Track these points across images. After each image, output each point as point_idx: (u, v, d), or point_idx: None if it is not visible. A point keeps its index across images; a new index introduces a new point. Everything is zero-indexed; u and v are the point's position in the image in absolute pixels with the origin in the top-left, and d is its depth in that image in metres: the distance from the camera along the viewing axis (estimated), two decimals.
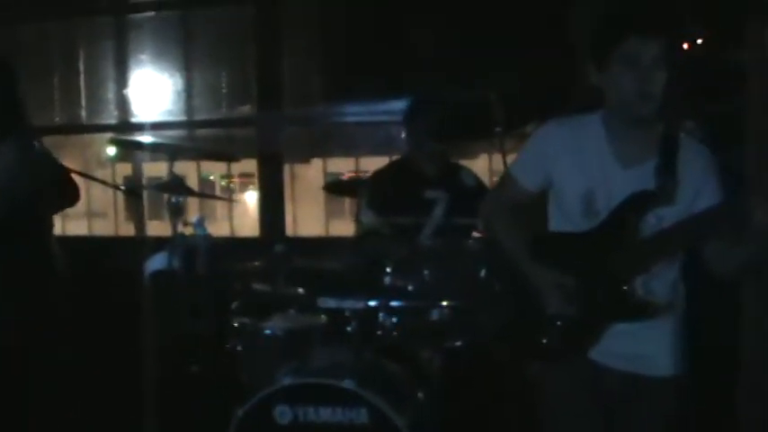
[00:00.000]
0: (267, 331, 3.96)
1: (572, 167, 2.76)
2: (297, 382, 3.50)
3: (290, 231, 5.77)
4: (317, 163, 6.25)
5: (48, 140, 5.84)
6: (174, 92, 5.93)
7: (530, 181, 2.88)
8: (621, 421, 2.83)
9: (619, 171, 2.69)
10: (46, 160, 3.68)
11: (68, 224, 6.12)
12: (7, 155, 3.40)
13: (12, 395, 3.48)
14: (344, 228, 5.59)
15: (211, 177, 6.69)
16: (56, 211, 3.74)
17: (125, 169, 6.39)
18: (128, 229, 6.35)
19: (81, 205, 6.14)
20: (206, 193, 5.64)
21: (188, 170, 6.34)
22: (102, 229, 6.51)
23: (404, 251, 3.86)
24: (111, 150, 6.29)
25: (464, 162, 4.86)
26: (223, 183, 6.62)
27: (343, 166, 6.15)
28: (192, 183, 6.42)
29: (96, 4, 6.08)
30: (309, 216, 6.06)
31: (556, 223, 2.87)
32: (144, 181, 6.15)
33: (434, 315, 3.77)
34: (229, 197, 6.12)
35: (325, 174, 6.11)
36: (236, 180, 6.53)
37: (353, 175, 5.74)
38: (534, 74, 4.74)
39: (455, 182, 4.41)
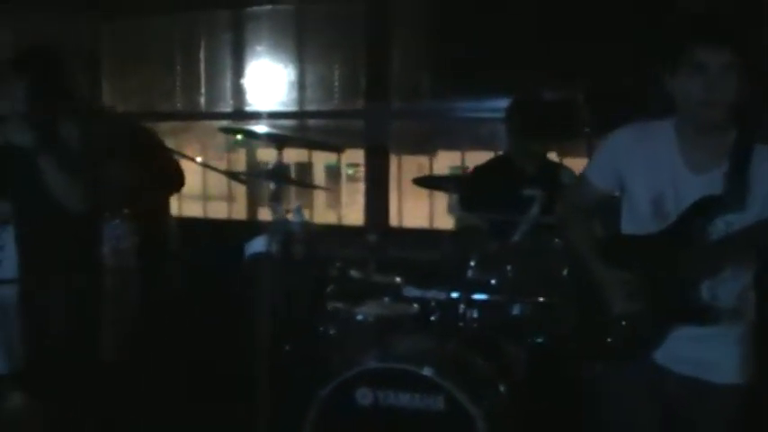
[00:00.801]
0: (359, 317, 4.10)
1: (643, 171, 2.80)
2: (379, 366, 3.63)
3: (395, 222, 5.88)
4: (443, 155, 6.31)
5: (168, 126, 6.23)
6: (287, 83, 6.12)
7: (602, 182, 2.93)
8: (681, 426, 2.85)
9: (689, 176, 2.72)
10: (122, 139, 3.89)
11: (187, 205, 6.43)
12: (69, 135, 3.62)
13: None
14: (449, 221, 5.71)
15: (338, 166, 6.83)
16: (161, 195, 3.98)
17: (244, 154, 6.63)
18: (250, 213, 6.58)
19: (197, 188, 6.51)
20: (304, 181, 5.79)
21: (315, 158, 6.55)
22: (222, 211, 6.75)
23: (491, 246, 3.94)
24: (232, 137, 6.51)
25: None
26: (350, 172, 6.76)
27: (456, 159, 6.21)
28: (319, 171, 6.63)
29: None
30: (418, 207, 6.14)
31: (626, 225, 2.91)
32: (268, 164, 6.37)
33: (515, 310, 3.84)
34: (328, 186, 6.22)
35: (428, 167, 6.16)
36: (361, 169, 6.66)
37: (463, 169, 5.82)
38: (625, 75, 4.73)
39: (553, 180, 4.44)
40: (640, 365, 2.83)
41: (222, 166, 6.51)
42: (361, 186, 6.63)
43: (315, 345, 4.24)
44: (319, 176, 6.78)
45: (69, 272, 3.79)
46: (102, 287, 3.95)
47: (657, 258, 2.75)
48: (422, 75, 5.83)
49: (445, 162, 6.27)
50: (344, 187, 6.82)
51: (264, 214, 6.30)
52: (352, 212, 6.29)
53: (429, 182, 4.83)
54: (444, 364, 3.60)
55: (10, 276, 5.17)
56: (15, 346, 5.17)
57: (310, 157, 6.78)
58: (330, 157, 6.92)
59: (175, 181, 4.84)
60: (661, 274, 2.75)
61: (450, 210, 4.29)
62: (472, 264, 3.87)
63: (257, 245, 4.45)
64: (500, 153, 4.91)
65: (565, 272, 3.61)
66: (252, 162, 6.44)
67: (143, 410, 4.18)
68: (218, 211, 6.69)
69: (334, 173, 6.95)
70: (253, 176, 6.12)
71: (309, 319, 4.30)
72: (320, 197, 6.79)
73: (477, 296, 3.86)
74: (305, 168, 6.84)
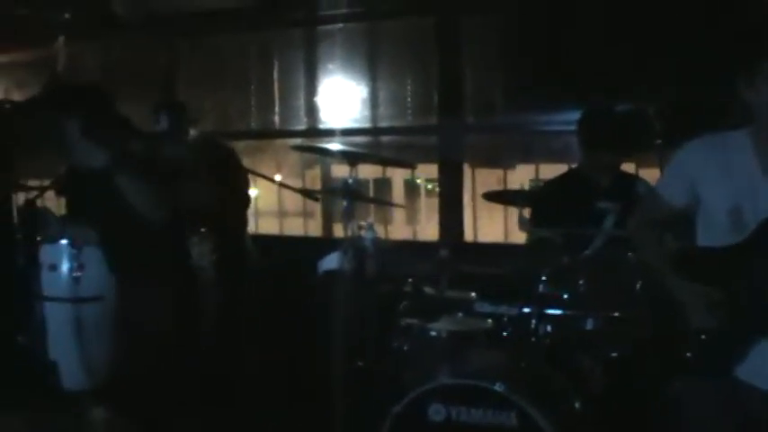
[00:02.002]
0: (432, 333, 4.07)
1: (718, 183, 2.76)
2: (452, 382, 3.62)
3: (470, 236, 5.86)
4: (522, 169, 6.28)
5: (243, 144, 6.32)
6: (360, 100, 6.15)
7: (675, 197, 2.89)
8: None
9: (767, 186, 2.68)
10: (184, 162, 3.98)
11: (264, 222, 6.50)
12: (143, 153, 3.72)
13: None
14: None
15: (417, 182, 6.84)
16: (239, 213, 4.06)
17: (318, 171, 6.69)
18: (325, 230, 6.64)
19: (274, 205, 6.59)
20: (378, 199, 5.81)
21: (394, 174, 6.56)
22: (298, 227, 6.80)
23: (563, 261, 3.90)
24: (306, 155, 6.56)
25: None
26: (428, 187, 6.76)
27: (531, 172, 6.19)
28: (398, 186, 6.65)
29: (289, 17, 6.37)
30: (492, 221, 6.11)
31: (703, 237, 2.87)
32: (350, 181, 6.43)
33: (588, 325, 3.79)
34: (401, 204, 6.22)
35: (505, 181, 6.14)
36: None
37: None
38: (699, 87, 4.66)
39: (628, 193, 4.37)
40: (721, 381, 2.77)
41: (298, 182, 6.57)
42: (435, 200, 6.64)
43: (388, 361, 4.24)
44: (398, 192, 6.78)
45: (162, 286, 3.85)
46: (196, 300, 4.01)
47: (737, 270, 2.70)
48: (494, 89, 5.80)
49: (523, 175, 6.23)
50: (423, 202, 6.82)
51: (339, 231, 6.36)
52: (431, 228, 6.28)
53: (500, 197, 4.81)
54: (517, 380, 3.57)
55: (90, 295, 5.32)
56: (97, 362, 5.31)
57: (389, 172, 6.80)
58: (409, 173, 6.93)
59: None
60: (741, 286, 2.69)
61: (521, 224, 4.25)
62: (544, 278, 3.83)
63: (330, 261, 4.50)
64: (573, 166, 4.86)
65: (640, 285, 3.57)
66: (327, 179, 6.49)
67: (218, 424, 4.23)
68: (295, 226, 6.75)
69: (412, 188, 6.96)
70: (326, 194, 6.15)
71: (383, 335, 4.31)
72: (398, 213, 6.79)
73: (549, 311, 3.82)
74: (383, 184, 6.86)
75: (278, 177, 6.40)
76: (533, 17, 5.54)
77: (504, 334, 3.92)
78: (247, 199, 5.22)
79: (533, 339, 3.81)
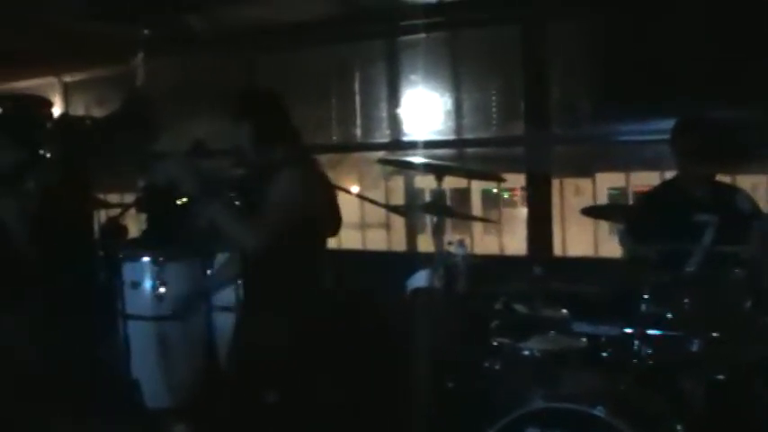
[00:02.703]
0: (525, 352, 3.94)
1: None
2: (548, 405, 3.47)
3: (560, 251, 5.70)
4: (602, 177, 6.08)
5: (325, 158, 6.25)
6: (443, 111, 6.04)
7: None
8: None
9: None
10: (321, 185, 3.91)
11: (345, 234, 6.39)
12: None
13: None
14: (615, 248, 5.49)
15: (494, 190, 6.71)
16: (325, 236, 3.97)
17: (401, 182, 6.57)
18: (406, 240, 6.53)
19: (357, 217, 6.51)
20: (468, 214, 5.67)
21: (472, 183, 6.43)
22: (380, 239, 6.70)
23: (665, 278, 3.72)
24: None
25: None
26: (506, 195, 6.62)
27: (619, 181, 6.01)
28: (476, 196, 6.52)
29: (370, 28, 6.28)
30: (582, 234, 5.94)
31: None
32: (425, 193, 6.35)
33: (693, 346, 3.60)
34: (496, 218, 6.07)
35: (599, 190, 5.98)
36: (517, 193, 6.51)
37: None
38: None
39: (728, 206, 4.18)
40: None
41: (379, 193, 6.47)
42: (519, 211, 6.49)
43: (479, 381, 4.11)
44: (476, 202, 6.65)
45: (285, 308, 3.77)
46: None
47: None
48: (582, 98, 5.63)
49: (604, 184, 6.04)
50: (501, 212, 6.67)
51: (424, 245, 6.25)
52: (511, 238, 6.13)
53: (597, 212, 4.63)
54: (617, 404, 3.40)
55: (171, 313, 5.29)
56: (179, 381, 5.29)
57: (467, 182, 6.67)
58: (486, 182, 6.79)
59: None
60: None
61: (621, 240, 4.08)
62: (646, 296, 3.65)
63: (419, 279, 4.39)
64: (667, 177, 4.68)
65: (749, 304, 3.38)
66: (409, 190, 6.38)
67: None
68: (377, 238, 6.64)
69: (490, 198, 6.82)
70: (413, 210, 6.05)
71: (473, 354, 4.18)
72: (477, 223, 6.66)
73: (651, 331, 3.64)
74: (461, 194, 6.73)
75: (354, 190, 6.31)
76: (621, 23, 5.37)
77: (604, 355, 3.73)
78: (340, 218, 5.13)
79: (635, 361, 3.63)
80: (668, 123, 4.40)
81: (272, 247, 3.58)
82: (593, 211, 4.62)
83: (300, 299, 3.74)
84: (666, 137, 4.37)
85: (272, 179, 3.66)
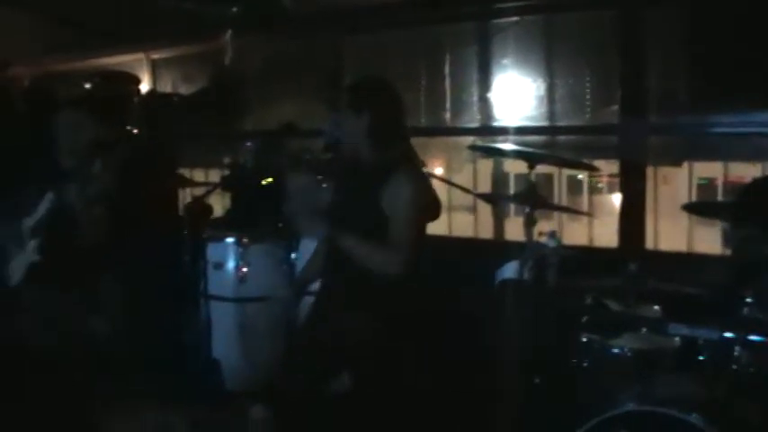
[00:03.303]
0: (615, 350, 3.83)
1: None
2: (640, 408, 3.34)
3: (650, 243, 5.51)
4: (686, 167, 5.90)
5: (413, 141, 6.16)
6: (535, 97, 5.90)
7: None
8: None
9: None
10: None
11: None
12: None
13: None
14: (712, 242, 5.30)
15: (580, 177, 6.55)
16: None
17: (490, 166, 6.45)
18: (491, 226, 6.40)
19: (443, 200, 6.41)
20: (562, 205, 5.52)
21: (555, 169, 6.29)
22: (466, 224, 6.59)
23: None
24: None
25: None
26: (591, 182, 6.46)
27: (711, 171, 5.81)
28: (560, 182, 6.37)
29: (462, 10, 6.15)
30: (673, 226, 5.75)
31: None
32: (511, 177, 6.23)
33: None
34: (585, 211, 5.89)
35: (692, 180, 5.79)
36: (604, 179, 6.35)
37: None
38: None
39: None
40: None
41: (466, 178, 6.36)
42: (605, 198, 6.32)
43: (566, 378, 3.99)
44: (561, 187, 6.50)
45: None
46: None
47: None
48: (680, 86, 5.43)
49: (693, 173, 5.84)
50: (585, 200, 6.52)
51: (511, 233, 6.12)
52: (598, 228, 5.97)
53: (700, 208, 4.43)
54: (714, 412, 3.24)
55: (256, 295, 5.26)
56: (259, 363, 5.26)
57: (551, 168, 6.51)
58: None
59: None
60: None
61: (726, 238, 3.91)
62: (749, 300, 3.47)
63: (509, 270, 4.27)
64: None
65: None
66: (498, 176, 6.26)
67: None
68: (462, 222, 6.53)
69: (575, 184, 6.66)
70: (503, 199, 5.92)
71: (561, 350, 4.06)
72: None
73: (754, 337, 3.46)
74: (545, 180, 6.59)
75: (440, 172, 6.22)
76: (724, 10, 5.15)
77: (700, 359, 3.57)
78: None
79: (734, 368, 3.46)
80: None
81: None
82: (695, 207, 4.44)
83: (390, 288, 3.65)
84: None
85: (389, 179, 3.58)
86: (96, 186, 4.49)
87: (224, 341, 5.14)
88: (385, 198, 3.56)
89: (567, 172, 6.30)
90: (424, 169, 3.95)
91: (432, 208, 3.78)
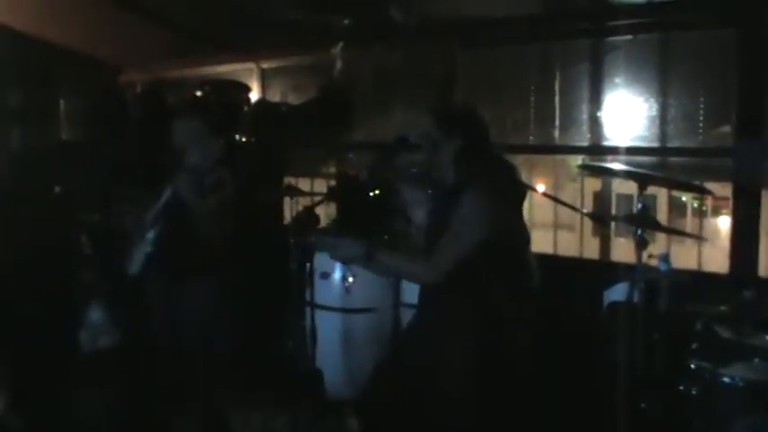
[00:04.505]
0: (726, 379, 3.76)
1: None
2: None
3: (764, 271, 5.37)
4: None
5: (522, 158, 6.14)
6: (647, 117, 5.81)
7: None
8: None
9: None
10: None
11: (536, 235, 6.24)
12: (475, 203, 3.60)
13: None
14: None
15: (684, 199, 6.43)
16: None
17: (595, 185, 6.38)
18: (593, 245, 6.33)
19: (549, 216, 6.36)
20: (674, 228, 5.38)
21: (659, 190, 6.18)
22: (569, 242, 6.53)
23: None
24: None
25: None
26: (695, 204, 6.34)
27: None
28: (663, 203, 6.26)
29: (575, 27, 6.11)
30: None
31: None
32: (613, 197, 6.15)
33: None
34: (698, 235, 5.76)
35: None
36: (708, 202, 6.23)
37: None
38: None
39: None
40: None
41: (571, 193, 6.32)
42: (709, 222, 6.18)
43: (674, 405, 3.93)
44: (662, 209, 6.38)
45: None
46: None
47: None
48: None
49: None
50: (689, 222, 6.38)
51: (616, 253, 6.04)
52: (707, 252, 5.83)
53: None
54: None
55: (361, 306, 5.32)
56: (361, 374, 5.30)
57: (653, 189, 6.38)
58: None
59: None
60: None
61: None
62: None
63: (617, 292, 4.23)
64: None
65: None
66: (603, 194, 6.18)
67: None
68: (565, 240, 6.47)
69: (679, 206, 6.53)
70: (616, 220, 5.84)
71: (669, 376, 4.00)
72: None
73: None
74: (647, 200, 6.47)
75: (541, 188, 6.16)
76: None
77: None
78: None
79: None
80: None
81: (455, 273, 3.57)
82: None
83: (490, 321, 3.67)
84: None
85: (459, 201, 3.62)
86: (212, 181, 4.62)
87: (328, 351, 5.18)
88: (454, 212, 3.62)
89: (672, 194, 6.18)
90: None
91: (499, 227, 3.73)
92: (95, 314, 6.00)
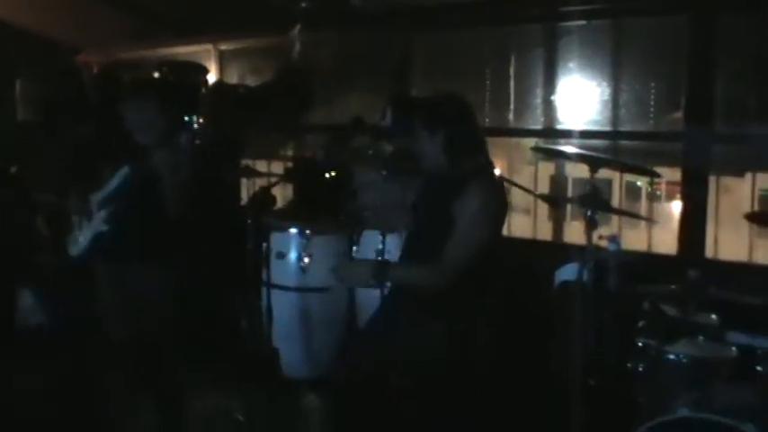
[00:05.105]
0: (671, 356, 3.85)
1: None
2: (694, 415, 3.35)
3: (709, 252, 5.50)
4: (749, 178, 5.86)
5: None
6: (599, 101, 5.89)
7: None
8: None
9: None
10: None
11: None
12: (481, 196, 3.67)
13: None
14: None
15: (638, 183, 6.54)
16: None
17: (549, 169, 6.47)
18: (548, 228, 6.43)
19: None
20: (624, 210, 5.49)
21: (614, 174, 6.29)
22: (524, 225, 6.62)
23: None
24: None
25: None
26: (649, 189, 6.44)
27: None
28: (618, 188, 6.37)
29: (529, 12, 6.17)
30: (733, 236, 5.72)
31: None
32: (569, 181, 6.25)
33: None
34: (648, 217, 5.88)
35: (754, 191, 5.75)
36: (662, 187, 6.34)
37: None
38: None
39: None
40: None
41: (526, 179, 6.40)
42: (662, 206, 6.29)
43: (621, 382, 4.02)
44: (617, 194, 6.50)
45: None
46: None
47: None
48: (747, 94, 5.39)
49: (755, 184, 5.79)
50: (642, 206, 6.52)
51: (570, 236, 6.13)
52: (656, 235, 5.96)
53: (764, 218, 4.39)
54: None
55: (317, 285, 5.36)
56: (318, 353, 5.35)
57: (608, 173, 6.47)
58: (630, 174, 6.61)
59: None
60: None
61: None
62: None
63: (568, 272, 4.31)
64: None
65: None
66: (558, 177, 6.28)
67: None
68: (521, 224, 6.56)
69: (633, 190, 6.65)
70: (568, 202, 5.93)
71: (617, 354, 4.09)
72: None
73: None
74: (602, 185, 6.57)
75: (497, 171, 6.23)
76: None
77: (758, 369, 3.57)
78: None
79: None
80: None
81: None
82: (757, 217, 4.41)
83: (467, 305, 3.76)
84: None
85: (463, 191, 3.67)
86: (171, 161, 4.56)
87: (284, 330, 5.23)
88: (457, 209, 3.66)
89: (625, 178, 6.28)
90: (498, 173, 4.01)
91: (500, 215, 3.84)
92: (28, 295, 6.01)
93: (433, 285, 3.69)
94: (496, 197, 3.78)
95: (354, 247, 5.28)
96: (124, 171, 4.38)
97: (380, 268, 3.79)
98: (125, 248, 4.40)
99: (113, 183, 4.42)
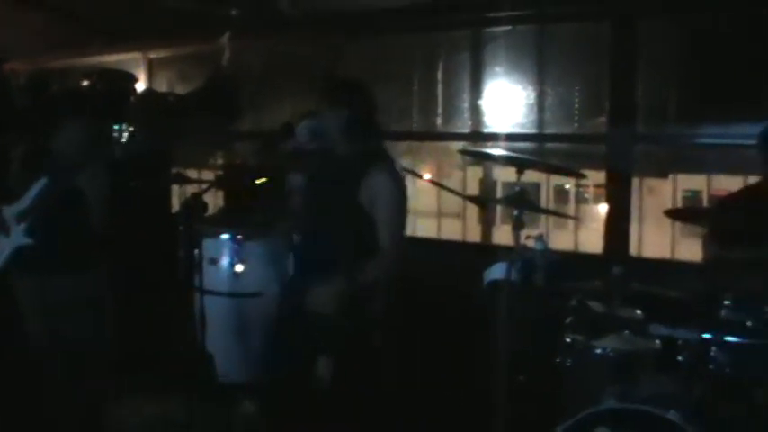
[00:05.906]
0: (598, 350, 3.93)
1: None
2: (620, 406, 3.45)
3: (634, 250, 5.64)
4: (672, 179, 6.02)
5: (405, 145, 6.27)
6: (525, 105, 6.01)
7: None
8: None
9: None
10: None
11: (420, 223, 6.41)
12: (392, 174, 3.76)
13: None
14: (695, 251, 5.42)
15: (567, 186, 6.67)
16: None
17: (478, 173, 6.57)
18: (477, 231, 6.52)
19: (432, 205, 6.52)
20: (550, 209, 5.63)
21: (542, 177, 6.41)
22: (454, 228, 6.71)
23: (751, 284, 3.66)
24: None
25: None
26: (577, 191, 6.57)
27: (697, 184, 5.93)
28: (546, 190, 6.49)
29: (456, 18, 6.26)
30: (657, 235, 5.87)
31: None
32: (498, 184, 6.35)
33: None
34: (573, 216, 6.01)
35: (675, 191, 5.91)
36: (590, 189, 6.47)
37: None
38: None
39: None
40: None
41: (455, 183, 6.49)
42: (590, 208, 6.42)
43: (550, 377, 4.10)
44: (547, 197, 6.62)
45: None
46: None
47: None
48: (668, 98, 5.55)
49: (679, 185, 5.96)
50: (572, 208, 6.63)
51: (499, 237, 6.24)
52: (582, 235, 6.09)
53: (680, 215, 4.56)
54: (691, 410, 3.37)
55: (250, 290, 5.36)
56: (253, 357, 5.34)
57: (538, 177, 6.61)
58: (560, 177, 6.74)
59: None
60: None
61: (704, 245, 4.04)
62: (726, 302, 3.60)
63: (497, 271, 4.38)
64: (750, 182, 4.58)
65: None
66: (487, 181, 6.37)
67: None
68: (451, 227, 6.64)
69: (563, 193, 6.77)
70: (495, 202, 6.02)
71: (545, 349, 4.17)
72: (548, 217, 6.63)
73: (731, 338, 3.58)
74: (532, 188, 6.70)
75: (427, 176, 6.31)
76: (714, 23, 5.28)
77: (679, 359, 3.69)
78: None
79: (711, 368, 3.58)
80: (756, 128, 4.31)
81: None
82: (676, 214, 4.56)
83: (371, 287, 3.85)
84: (754, 142, 4.29)
85: (366, 173, 3.78)
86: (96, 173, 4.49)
87: (218, 335, 5.22)
88: (363, 192, 3.82)
89: (554, 181, 6.40)
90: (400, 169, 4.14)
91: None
92: None
93: (393, 264, 3.89)
94: (404, 186, 3.91)
95: (289, 252, 5.29)
96: (42, 183, 4.27)
97: (347, 287, 3.84)
98: (48, 260, 4.31)
99: (31, 195, 4.30)
